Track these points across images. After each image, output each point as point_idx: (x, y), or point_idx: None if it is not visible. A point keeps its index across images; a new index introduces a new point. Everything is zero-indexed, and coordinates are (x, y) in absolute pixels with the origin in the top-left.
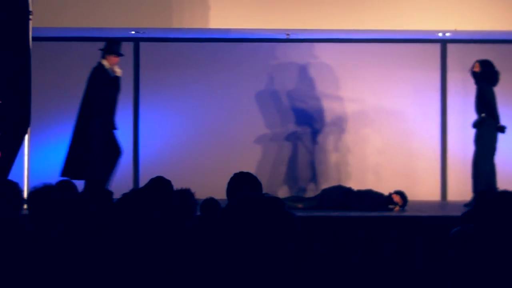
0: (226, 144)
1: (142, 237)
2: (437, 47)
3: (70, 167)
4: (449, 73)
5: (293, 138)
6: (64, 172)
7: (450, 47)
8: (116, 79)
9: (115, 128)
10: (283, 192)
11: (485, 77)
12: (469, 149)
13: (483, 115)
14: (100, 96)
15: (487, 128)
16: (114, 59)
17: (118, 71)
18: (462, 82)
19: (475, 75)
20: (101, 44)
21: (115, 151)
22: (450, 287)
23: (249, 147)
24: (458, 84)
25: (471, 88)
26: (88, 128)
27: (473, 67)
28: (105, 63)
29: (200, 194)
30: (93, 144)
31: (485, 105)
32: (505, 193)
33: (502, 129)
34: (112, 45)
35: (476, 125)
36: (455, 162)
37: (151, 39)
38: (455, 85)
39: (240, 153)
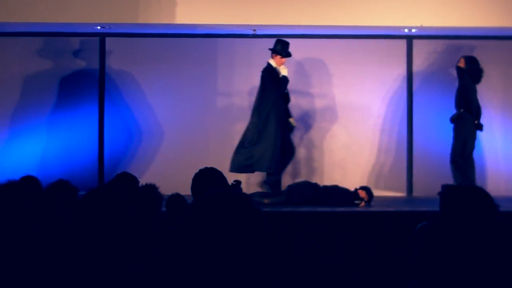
0: (193, 140)
1: (107, 233)
2: (403, 43)
3: (242, 162)
4: (415, 69)
5: None
6: (234, 168)
7: (416, 43)
8: (284, 78)
9: (294, 126)
10: (251, 188)
11: (470, 74)
12: (434, 144)
13: (461, 110)
14: (270, 95)
15: (464, 123)
16: (281, 59)
17: (284, 70)
18: (428, 78)
19: (459, 70)
20: (66, 40)
21: (290, 149)
22: (416, 282)
23: (217, 143)
24: (424, 80)
25: (437, 84)
26: (264, 126)
27: (458, 61)
28: (273, 62)
29: (166, 190)
30: (270, 140)
31: (465, 101)
32: (470, 187)
33: (480, 127)
34: (280, 46)
35: (453, 120)
36: (421, 157)
37: (117, 34)
38: (421, 81)
39: (208, 149)
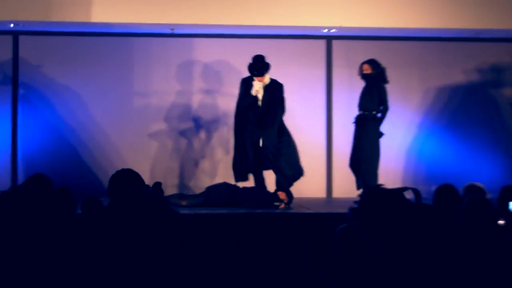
0: (110, 141)
1: (20, 236)
2: (322, 44)
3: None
4: (335, 70)
5: (177, 134)
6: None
7: (335, 43)
8: (248, 96)
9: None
10: (169, 190)
11: (380, 77)
12: None
13: (379, 114)
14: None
15: (377, 126)
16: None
17: (255, 88)
18: (347, 78)
19: (368, 77)
20: None
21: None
22: (335, 285)
23: (134, 144)
24: (343, 81)
25: (356, 84)
26: None
27: (361, 70)
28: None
29: (82, 192)
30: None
31: (384, 104)
32: (391, 190)
33: (381, 134)
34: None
35: (365, 121)
36: (340, 158)
37: (31, 33)
38: (340, 82)
39: (124, 150)
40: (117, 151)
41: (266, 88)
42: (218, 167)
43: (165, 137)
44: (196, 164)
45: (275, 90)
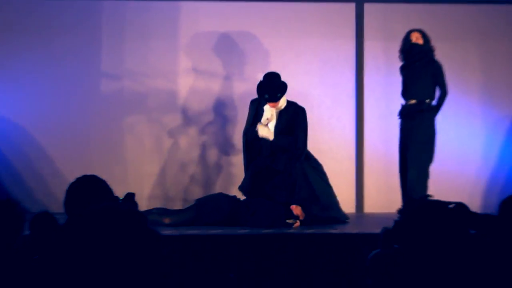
0: (67, 139)
1: None
2: (351, 8)
3: None
4: (367, 43)
5: (159, 130)
6: None
7: (368, 7)
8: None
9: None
10: (147, 203)
11: (433, 53)
12: (392, 144)
13: (434, 102)
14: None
15: (433, 118)
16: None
17: (266, 113)
18: (384, 55)
19: (419, 49)
20: None
21: None
22: None
23: (101, 142)
24: (379, 58)
25: (395, 63)
26: None
27: (409, 40)
28: None
29: (33, 206)
30: None
31: (442, 87)
32: (440, 203)
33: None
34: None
35: (417, 114)
36: (374, 161)
37: None
38: (374, 59)
39: (87, 150)
40: (78, 152)
41: (281, 114)
42: (212, 173)
43: (142, 133)
44: (183, 168)
45: (293, 116)
